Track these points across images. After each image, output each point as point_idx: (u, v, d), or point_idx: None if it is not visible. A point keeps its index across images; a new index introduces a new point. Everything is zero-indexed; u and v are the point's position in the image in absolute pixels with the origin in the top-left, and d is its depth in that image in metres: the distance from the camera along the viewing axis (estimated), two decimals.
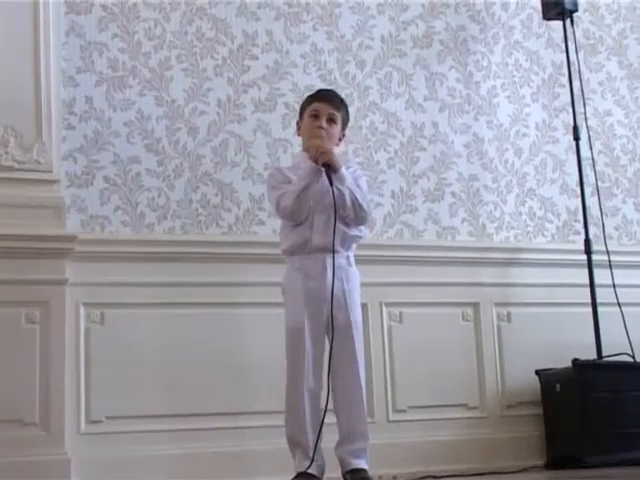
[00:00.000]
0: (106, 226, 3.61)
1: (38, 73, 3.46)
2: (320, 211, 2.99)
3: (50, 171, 3.45)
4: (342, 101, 3.22)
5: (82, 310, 3.47)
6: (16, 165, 3.41)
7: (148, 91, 3.76)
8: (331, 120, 3.12)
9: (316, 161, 2.96)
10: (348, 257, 3.06)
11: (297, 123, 3.25)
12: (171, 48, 3.83)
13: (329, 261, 2.95)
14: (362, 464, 2.93)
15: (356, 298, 3.05)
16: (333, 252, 2.92)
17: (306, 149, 3.10)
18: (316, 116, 3.11)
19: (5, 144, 3.40)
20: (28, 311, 3.30)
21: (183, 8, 3.88)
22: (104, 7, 3.76)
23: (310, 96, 3.23)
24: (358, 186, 3.05)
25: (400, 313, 3.91)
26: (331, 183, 2.94)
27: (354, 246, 3.11)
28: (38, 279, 3.33)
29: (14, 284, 3.29)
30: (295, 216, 3.00)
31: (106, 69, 3.72)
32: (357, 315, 3.04)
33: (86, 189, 3.61)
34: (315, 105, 3.14)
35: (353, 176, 3.07)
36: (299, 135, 3.23)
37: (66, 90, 3.63)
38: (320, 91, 3.28)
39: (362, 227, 3.11)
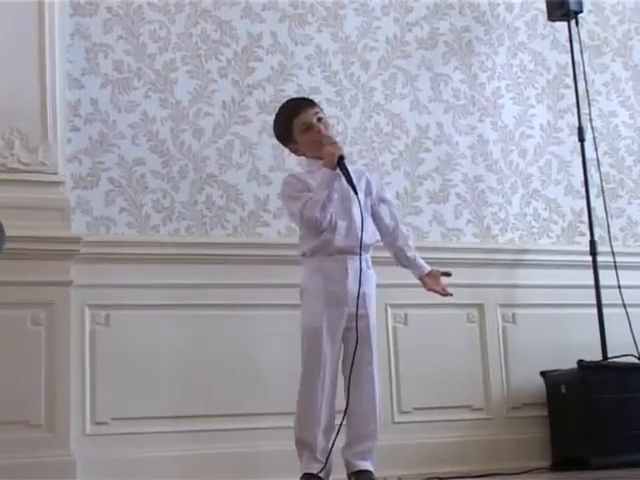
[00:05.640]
0: (111, 228, 3.61)
1: (43, 75, 3.46)
2: (342, 216, 2.96)
3: (55, 173, 3.45)
4: (307, 98, 3.26)
5: (87, 312, 3.47)
6: (21, 167, 3.41)
7: (153, 93, 3.77)
8: (319, 118, 3.06)
9: (334, 167, 2.91)
10: (367, 260, 3.01)
11: (290, 148, 3.14)
12: (176, 50, 3.84)
13: (350, 263, 2.93)
14: (367, 465, 2.92)
15: (374, 301, 3.02)
16: (360, 255, 2.91)
17: (317, 156, 3.02)
18: (309, 127, 3.04)
19: (10, 146, 3.41)
20: (33, 313, 3.30)
21: (188, 10, 3.88)
22: (109, 9, 3.76)
23: (284, 119, 3.11)
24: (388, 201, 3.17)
25: (405, 315, 3.91)
26: (352, 186, 2.89)
27: (371, 249, 3.07)
28: (43, 281, 3.33)
29: (19, 286, 3.28)
30: (323, 225, 2.92)
31: (111, 71, 3.73)
32: (374, 318, 3.01)
33: (91, 191, 3.62)
34: (298, 120, 3.04)
35: (379, 186, 3.17)
36: (300, 155, 3.15)
37: (71, 92, 3.64)
38: (290, 106, 3.16)
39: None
